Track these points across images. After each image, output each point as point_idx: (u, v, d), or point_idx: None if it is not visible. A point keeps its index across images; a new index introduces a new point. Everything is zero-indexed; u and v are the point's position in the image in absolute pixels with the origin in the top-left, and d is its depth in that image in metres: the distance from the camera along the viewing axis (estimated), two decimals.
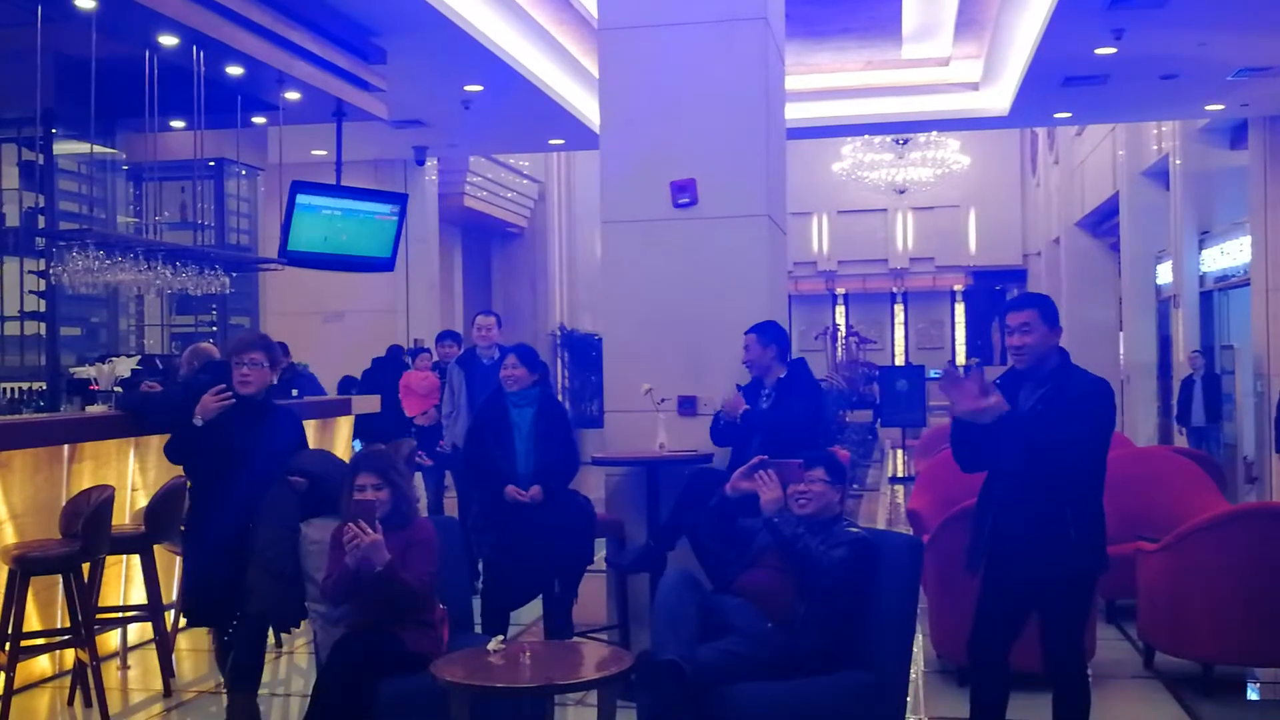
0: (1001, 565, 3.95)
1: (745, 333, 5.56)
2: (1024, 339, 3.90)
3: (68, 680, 5.21)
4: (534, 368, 5.37)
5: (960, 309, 28.20)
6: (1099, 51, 9.19)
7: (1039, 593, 3.89)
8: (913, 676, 5.09)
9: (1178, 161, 14.25)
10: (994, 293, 27.82)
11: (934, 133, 20.38)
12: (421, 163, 13.25)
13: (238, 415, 4.42)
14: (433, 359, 9.13)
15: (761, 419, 5.35)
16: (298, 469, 4.47)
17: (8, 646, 4.80)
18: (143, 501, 5.80)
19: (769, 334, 5.53)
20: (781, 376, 5.48)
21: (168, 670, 5.38)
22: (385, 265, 9.72)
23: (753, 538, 4.25)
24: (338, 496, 4.23)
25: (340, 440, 8.91)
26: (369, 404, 8.96)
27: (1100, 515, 3.93)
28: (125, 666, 5.80)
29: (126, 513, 5.83)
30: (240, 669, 4.52)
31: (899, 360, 26.67)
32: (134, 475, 6.00)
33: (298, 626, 4.60)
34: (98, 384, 6.74)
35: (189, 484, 4.71)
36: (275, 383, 4.67)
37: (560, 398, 14.50)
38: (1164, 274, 15.71)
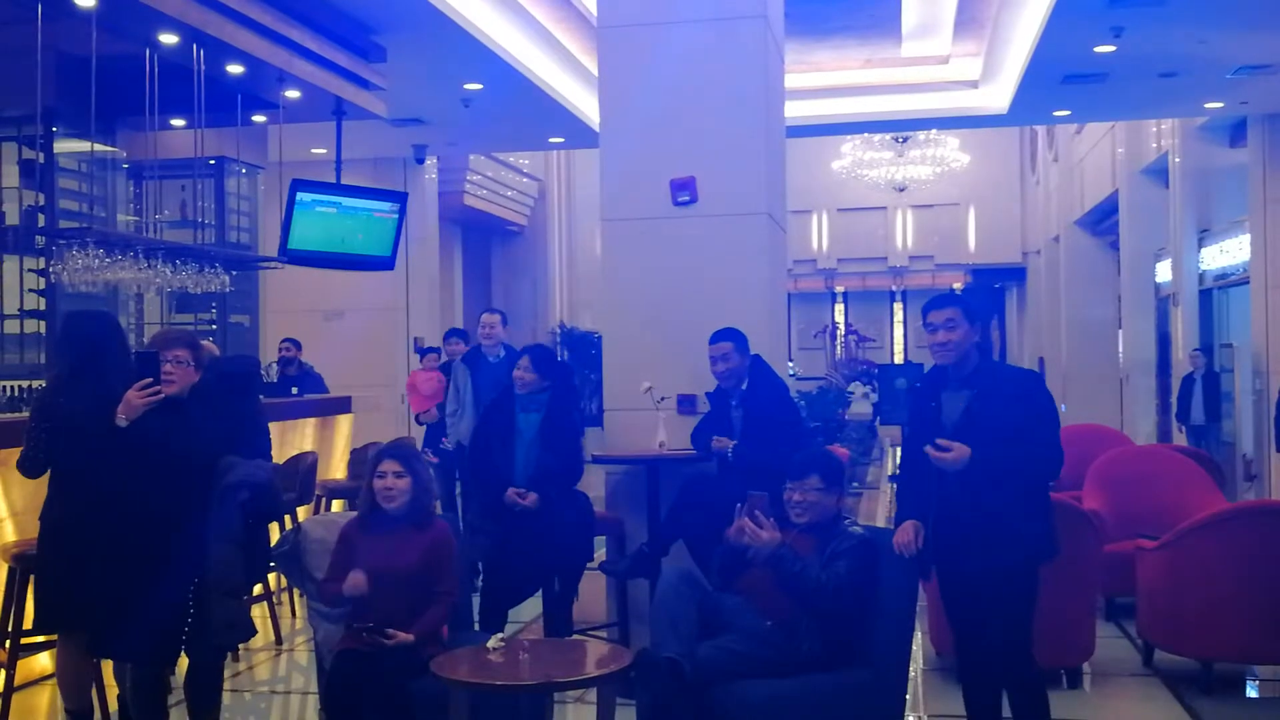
0: (950, 568, 3.95)
1: (716, 340, 5.43)
2: (949, 335, 3.93)
3: None
4: (546, 374, 5.25)
5: None
6: (1098, 49, 9.19)
7: (986, 587, 3.85)
8: (912, 674, 5.10)
9: (1177, 159, 14.24)
10: (993, 291, 27.83)
11: (933, 131, 20.37)
12: (421, 161, 13.25)
13: (158, 416, 3.90)
14: (440, 359, 9.17)
15: (738, 451, 5.25)
16: (240, 481, 4.20)
17: (8, 644, 4.82)
18: None
19: (744, 341, 5.43)
20: (744, 388, 5.43)
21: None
22: (385, 264, 9.72)
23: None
24: (279, 506, 4.19)
25: (340, 437, 8.92)
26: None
27: (1049, 504, 3.95)
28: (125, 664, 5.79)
29: None
30: (204, 711, 4.20)
31: (898, 358, 26.68)
32: None
33: (246, 641, 4.45)
34: None
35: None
36: (198, 382, 4.16)
37: None
38: (1163, 272, 15.70)
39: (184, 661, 4.17)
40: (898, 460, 16.17)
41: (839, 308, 27.80)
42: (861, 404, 17.60)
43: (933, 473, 3.88)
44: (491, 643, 3.76)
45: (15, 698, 4.80)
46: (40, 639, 5.03)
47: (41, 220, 8.20)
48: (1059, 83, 10.38)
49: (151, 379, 3.87)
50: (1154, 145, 15.13)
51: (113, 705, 4.69)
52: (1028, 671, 3.91)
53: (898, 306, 28.01)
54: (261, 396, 6.33)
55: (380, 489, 4.09)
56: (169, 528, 3.96)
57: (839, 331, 25.04)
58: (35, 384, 7.62)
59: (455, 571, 4.16)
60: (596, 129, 6.46)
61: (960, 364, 3.95)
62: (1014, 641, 3.86)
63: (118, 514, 3.97)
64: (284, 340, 9.75)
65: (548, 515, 5.13)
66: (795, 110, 9.25)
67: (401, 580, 4.00)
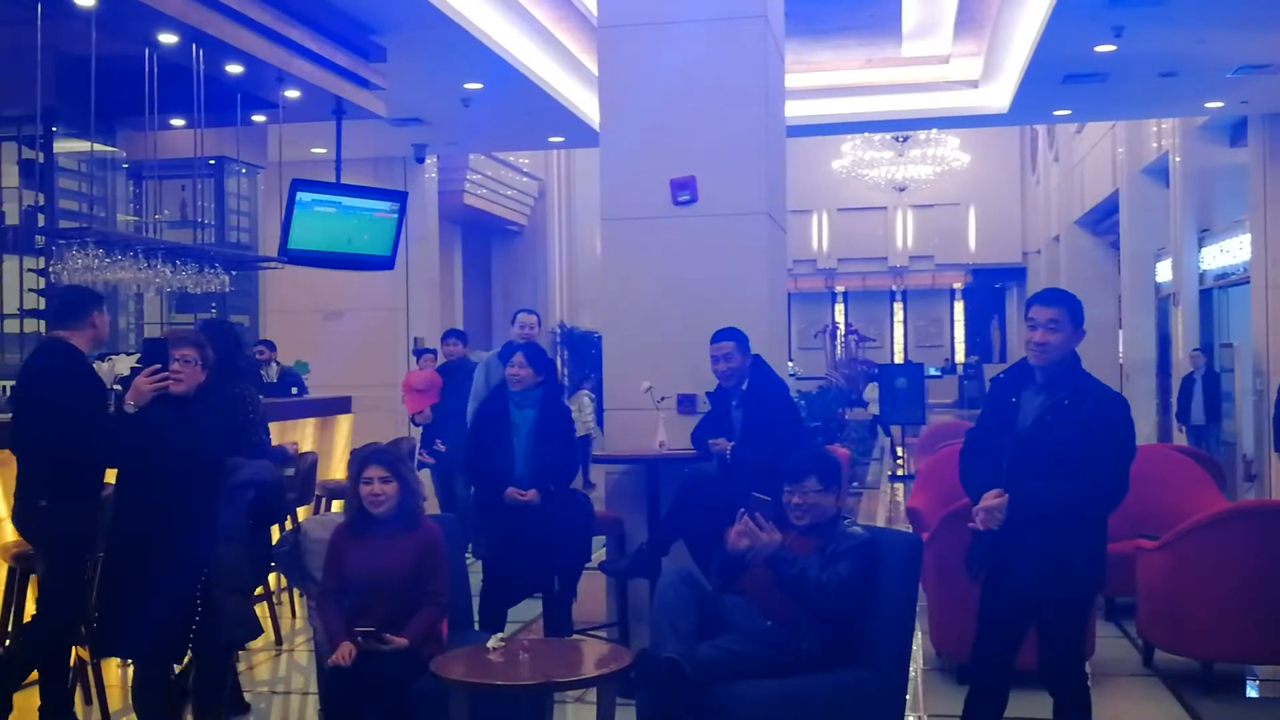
0: (1002, 574, 3.86)
1: (718, 339, 5.43)
2: (1048, 336, 3.72)
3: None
4: (540, 369, 5.32)
5: (960, 307, 28.23)
6: (1099, 49, 9.19)
7: (1037, 604, 3.82)
8: (912, 674, 5.10)
9: (1177, 159, 14.24)
10: (993, 291, 27.84)
11: (934, 130, 20.38)
12: (421, 160, 13.25)
13: (166, 413, 3.94)
14: (438, 361, 9.16)
15: (738, 451, 5.26)
16: (248, 480, 4.24)
17: (8, 644, 4.81)
18: None
19: (746, 341, 5.43)
20: (744, 388, 5.43)
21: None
22: (385, 263, 9.71)
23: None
24: (283, 505, 4.19)
25: (340, 437, 8.92)
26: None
27: (1104, 536, 3.86)
28: (125, 663, 5.79)
29: None
30: (210, 709, 4.24)
31: (898, 358, 26.70)
32: None
33: (253, 639, 4.49)
34: None
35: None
36: (205, 380, 4.15)
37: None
38: (1164, 272, 15.71)
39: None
40: (898, 460, 16.14)
41: (839, 307, 27.83)
42: (876, 406, 17.67)
43: (1002, 470, 3.79)
44: (491, 643, 3.76)
45: (15, 698, 4.79)
46: None
47: (41, 220, 8.20)
48: (1059, 82, 10.38)
49: (160, 365, 3.90)
50: (1154, 145, 15.13)
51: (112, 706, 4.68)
52: (1077, 680, 3.89)
53: (898, 306, 28.04)
54: (261, 397, 6.32)
55: (367, 495, 4.04)
56: (175, 525, 3.98)
57: (839, 331, 25.06)
58: None
59: (445, 573, 4.13)
60: (596, 129, 6.47)
61: (1049, 366, 3.78)
62: (1067, 657, 3.84)
63: (129, 508, 4.03)
64: (257, 343, 9.67)
65: (547, 514, 5.14)
66: (795, 110, 9.25)
67: (396, 583, 4.00)
